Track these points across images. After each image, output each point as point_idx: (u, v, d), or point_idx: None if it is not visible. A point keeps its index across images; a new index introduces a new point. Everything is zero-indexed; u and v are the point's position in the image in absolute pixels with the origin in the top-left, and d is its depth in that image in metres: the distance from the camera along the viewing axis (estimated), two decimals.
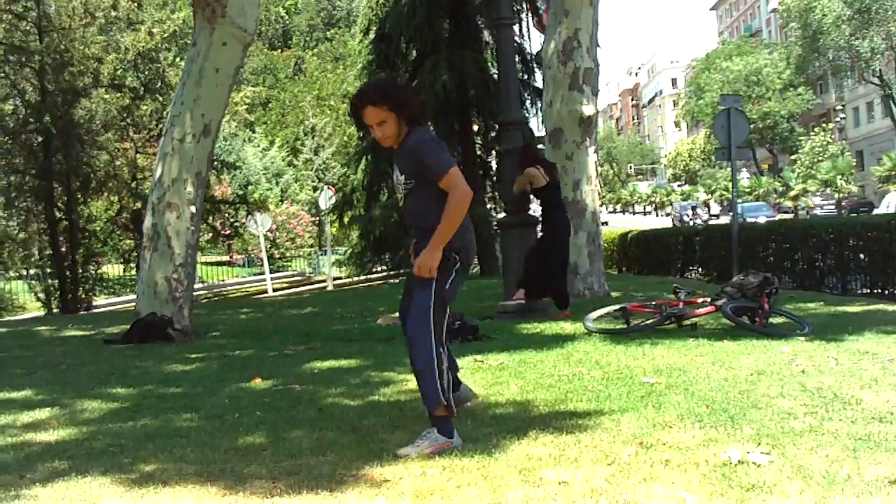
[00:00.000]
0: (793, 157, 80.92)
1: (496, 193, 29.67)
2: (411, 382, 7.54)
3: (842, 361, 7.53)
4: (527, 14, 30.30)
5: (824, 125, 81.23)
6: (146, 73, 30.92)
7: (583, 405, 6.33)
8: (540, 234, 13.11)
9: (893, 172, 60.57)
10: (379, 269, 34.10)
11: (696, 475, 4.51)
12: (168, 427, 6.30)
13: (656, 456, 4.85)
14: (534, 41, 31.13)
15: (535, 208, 13.73)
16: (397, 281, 31.08)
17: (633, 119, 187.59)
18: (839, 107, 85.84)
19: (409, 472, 4.83)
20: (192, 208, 12.72)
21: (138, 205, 28.79)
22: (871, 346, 8.29)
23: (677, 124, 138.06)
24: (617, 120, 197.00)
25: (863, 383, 6.61)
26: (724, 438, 5.15)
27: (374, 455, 5.17)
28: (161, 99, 29.91)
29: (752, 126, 63.97)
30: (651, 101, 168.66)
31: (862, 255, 16.56)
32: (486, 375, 7.80)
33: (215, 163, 30.88)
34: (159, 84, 30.70)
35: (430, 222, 5.40)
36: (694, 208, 68.93)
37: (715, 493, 4.25)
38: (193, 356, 10.40)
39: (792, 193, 68.45)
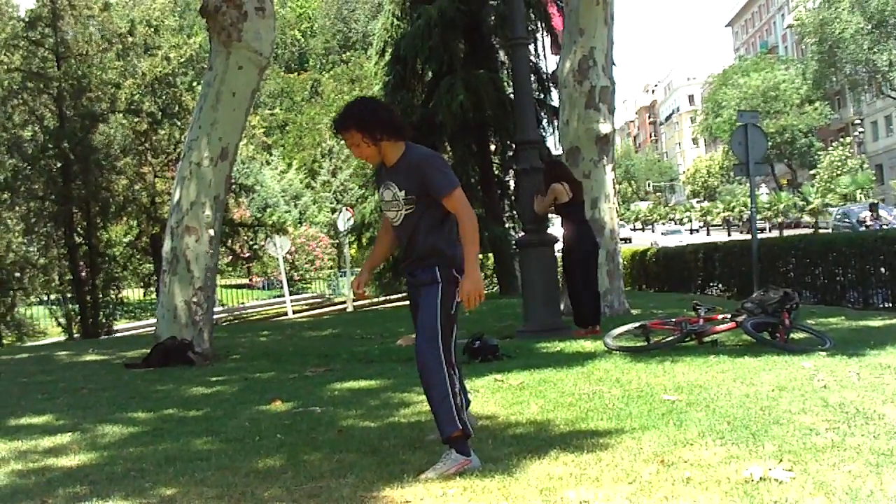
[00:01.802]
0: (812, 171, 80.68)
1: (514, 212, 29.64)
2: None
3: (864, 376, 7.49)
4: (542, 34, 30.35)
5: (843, 139, 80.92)
6: (163, 97, 31.05)
7: (603, 424, 6.30)
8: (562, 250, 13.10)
9: None
10: (399, 289, 34.06)
11: (718, 493, 4.48)
12: (188, 450, 6.30)
13: (678, 474, 4.82)
14: (549, 60, 31.29)
15: (555, 227, 13.72)
16: None
17: (651, 136, 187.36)
18: (857, 121, 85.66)
19: (429, 493, 4.81)
20: (211, 232, 12.75)
21: (157, 229, 28.87)
22: (894, 361, 8.22)
23: (695, 141, 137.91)
24: (634, 137, 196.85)
25: (885, 398, 6.56)
26: (746, 455, 5.12)
27: (395, 477, 5.15)
28: (179, 123, 30.03)
29: (770, 141, 63.78)
30: (668, 118, 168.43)
31: (883, 269, 16.47)
32: (506, 395, 7.79)
33: (233, 186, 30.95)
34: (177, 108, 30.82)
35: (429, 243, 5.41)
36: (874, 207, 57.39)
37: None
38: (214, 379, 10.41)
39: (810, 208, 68.19)
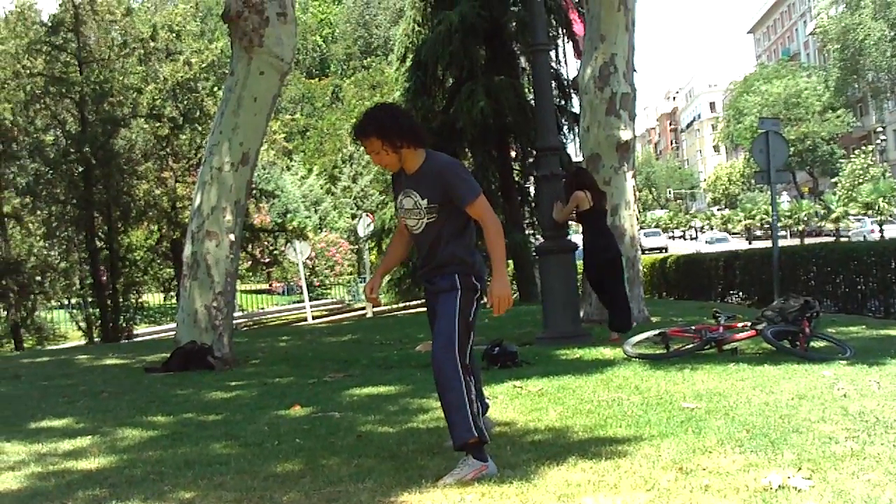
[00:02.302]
0: (833, 179, 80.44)
1: (534, 219, 29.60)
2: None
3: (884, 385, 7.46)
4: (563, 40, 30.33)
5: (865, 147, 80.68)
6: (185, 102, 31.21)
7: (622, 431, 6.29)
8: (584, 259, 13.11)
9: None
10: (418, 296, 34.06)
11: (737, 500, 4.47)
12: (207, 454, 6.31)
13: (696, 481, 4.81)
14: (570, 67, 31.23)
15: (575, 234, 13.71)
16: None
17: (672, 143, 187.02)
18: (880, 129, 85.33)
19: (447, 498, 4.81)
20: (232, 236, 12.78)
21: (178, 234, 29.00)
22: None
23: (716, 148, 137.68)
24: (655, 144, 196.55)
25: None
26: (765, 463, 5.10)
27: (413, 482, 5.16)
28: (200, 128, 30.15)
29: (791, 149, 63.61)
30: (689, 125, 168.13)
31: None
32: (524, 402, 7.78)
33: (254, 191, 31.04)
34: (198, 114, 30.97)
35: (450, 250, 5.42)
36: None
37: None
38: (233, 384, 10.42)
39: (832, 216, 67.96)
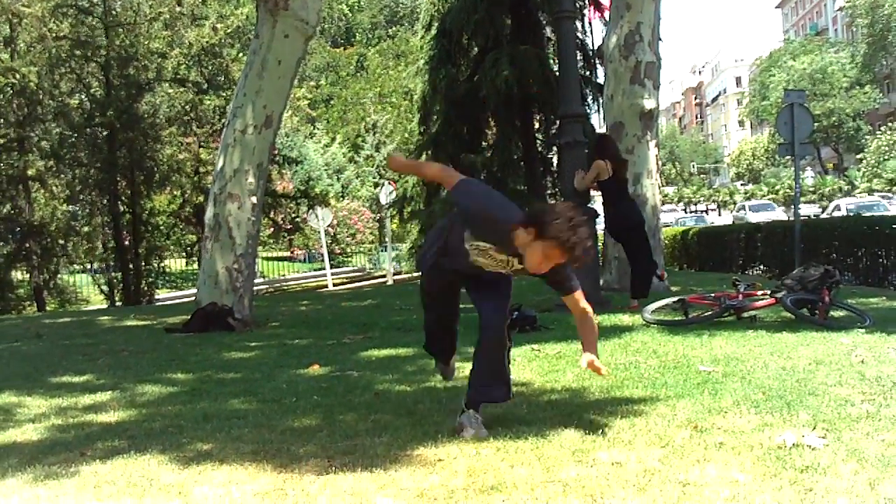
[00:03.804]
0: (858, 156, 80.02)
1: (557, 189, 29.56)
2: (466, 369, 7.57)
3: None
4: (589, 9, 30.19)
5: (891, 124, 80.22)
6: (210, 68, 31.18)
7: (638, 392, 6.32)
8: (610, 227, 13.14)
9: None
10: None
11: (750, 457, 4.49)
12: (225, 410, 6.37)
13: (710, 439, 4.84)
14: (595, 37, 31.05)
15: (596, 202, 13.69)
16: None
17: (697, 118, 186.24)
18: None
19: (462, 452, 4.85)
20: (254, 199, 12.83)
21: (201, 199, 29.04)
22: None
23: (741, 123, 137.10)
24: (680, 119, 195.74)
25: None
26: (780, 423, 5.12)
27: (429, 437, 5.20)
28: (224, 94, 30.08)
29: (816, 125, 63.23)
30: (714, 99, 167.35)
31: None
32: (542, 364, 7.82)
33: (277, 157, 31.08)
34: (222, 79, 30.94)
35: None
36: None
37: (768, 473, 4.23)
38: (253, 344, 10.50)
39: (857, 192, 67.61)
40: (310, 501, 4.16)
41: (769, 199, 72.86)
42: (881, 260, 17.92)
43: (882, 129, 78.54)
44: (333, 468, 4.62)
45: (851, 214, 34.34)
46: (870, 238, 18.36)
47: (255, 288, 14.19)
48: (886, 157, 72.17)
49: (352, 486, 4.32)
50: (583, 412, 5.68)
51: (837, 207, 47.71)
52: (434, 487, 4.27)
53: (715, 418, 5.35)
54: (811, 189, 76.10)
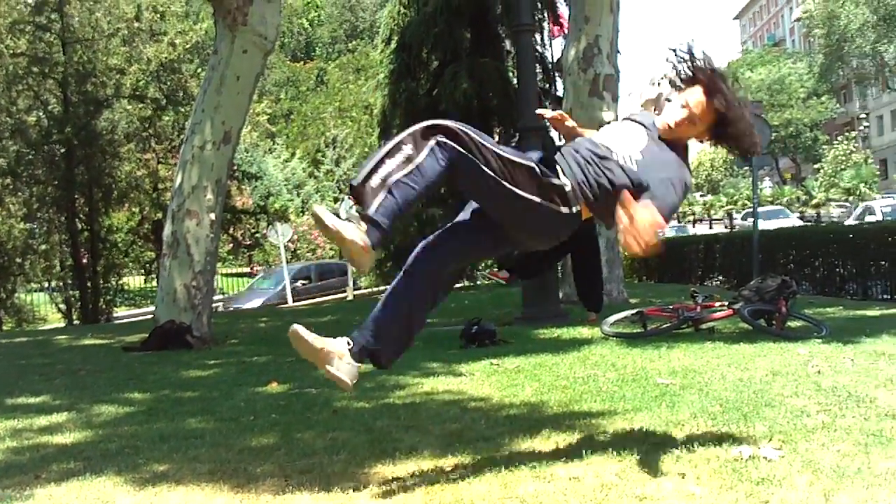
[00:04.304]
0: (816, 165, 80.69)
1: None
2: (426, 385, 7.60)
3: (858, 362, 7.51)
4: (548, 23, 30.32)
5: (848, 134, 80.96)
6: (168, 84, 31.14)
7: (597, 405, 6.33)
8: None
9: None
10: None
11: (707, 470, 4.50)
12: (183, 429, 6.32)
13: (667, 453, 4.85)
14: (555, 50, 31.17)
15: None
16: None
17: None
18: (863, 115, 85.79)
19: (421, 469, 4.85)
20: (212, 216, 12.78)
21: (160, 215, 28.99)
22: (889, 348, 8.25)
23: None
24: None
25: (878, 383, 6.58)
26: (737, 435, 5.14)
27: (387, 454, 5.18)
28: (183, 110, 30.08)
29: (774, 134, 63.73)
30: None
31: (883, 261, 16.49)
32: (501, 378, 7.81)
33: (236, 173, 31.05)
34: (181, 95, 30.91)
35: None
36: None
37: (724, 486, 4.24)
38: (211, 362, 10.43)
39: (814, 202, 68.17)
40: None
41: (779, 206, 66.08)
42: (838, 269, 18.06)
43: (839, 138, 79.26)
44: (290, 487, 4.60)
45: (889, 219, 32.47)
46: (826, 248, 18.49)
47: (215, 304, 14.13)
48: (843, 167, 72.80)
49: None
50: (541, 427, 5.67)
51: (870, 210, 42.26)
52: None
53: (672, 431, 5.37)
54: (769, 199, 76.70)
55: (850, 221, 33.16)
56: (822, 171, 76.38)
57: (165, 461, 5.34)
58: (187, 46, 30.93)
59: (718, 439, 5.10)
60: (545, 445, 5.22)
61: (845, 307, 13.57)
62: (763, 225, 36.03)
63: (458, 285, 32.72)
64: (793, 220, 50.09)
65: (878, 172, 73.49)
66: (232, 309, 32.68)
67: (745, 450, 4.75)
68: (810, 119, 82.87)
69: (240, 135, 14.01)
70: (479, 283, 32.47)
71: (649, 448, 4.96)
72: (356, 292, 38.18)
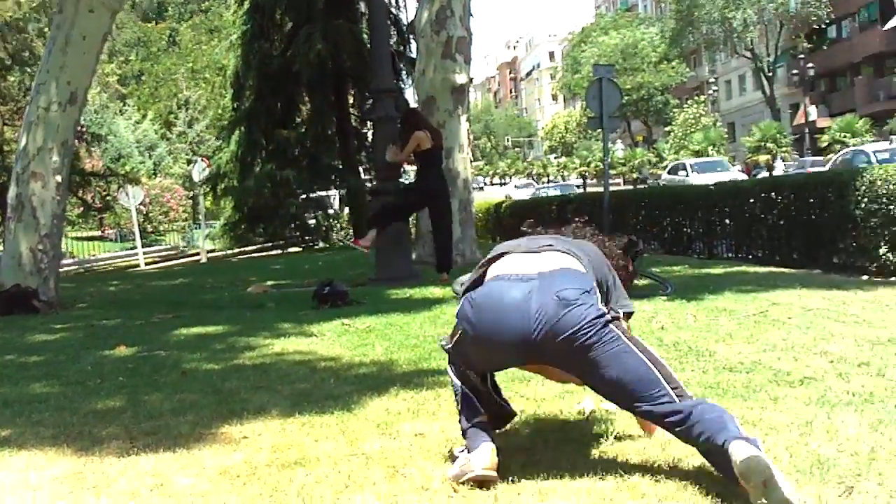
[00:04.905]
0: (667, 128, 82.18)
1: (372, 163, 29.62)
2: (276, 346, 7.59)
3: (700, 318, 7.72)
4: None
5: (697, 98, 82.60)
6: (14, 43, 30.30)
7: (445, 363, 6.37)
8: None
9: (763, 143, 61.80)
10: (253, 241, 33.79)
11: (551, 425, 4.62)
12: (27, 394, 6.20)
13: (514, 408, 4.93)
14: (409, 12, 31.14)
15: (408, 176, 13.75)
16: (274, 253, 30.96)
17: (511, 92, 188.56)
18: (712, 80, 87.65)
19: (268, 428, 4.84)
20: (58, 178, 12.49)
21: (5, 178, 28.20)
22: (729, 304, 8.51)
23: (554, 97, 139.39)
24: (495, 93, 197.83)
25: (718, 338, 6.78)
26: (580, 391, 5.23)
27: (235, 414, 5.16)
28: (29, 70, 29.31)
29: (627, 98, 64.70)
30: (528, 74, 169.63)
31: (727, 221, 16.89)
32: (352, 338, 7.83)
33: (85, 135, 30.40)
34: (27, 55, 30.10)
35: None
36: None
37: (567, 439, 4.35)
38: (58, 326, 10.22)
39: (664, 164, 69.45)
40: (109, 484, 4.09)
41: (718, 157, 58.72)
42: (685, 229, 18.45)
43: (688, 102, 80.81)
44: (135, 449, 4.55)
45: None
46: (674, 208, 18.87)
47: (65, 269, 13.85)
48: (693, 130, 74.30)
49: (153, 467, 4.27)
50: (390, 385, 5.71)
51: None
52: (237, 465, 4.24)
53: (518, 387, 5.45)
54: (621, 161, 77.99)
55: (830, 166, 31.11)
56: (672, 133, 77.85)
57: (8, 426, 5.24)
58: (33, 5, 30.17)
59: (563, 394, 5.21)
60: (393, 403, 5.27)
61: (691, 265, 13.90)
62: (697, 180, 34.20)
63: (314, 246, 32.66)
64: (733, 174, 41.52)
65: (726, 135, 75.11)
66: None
67: (588, 404, 4.87)
68: (661, 83, 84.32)
69: (86, 96, 13.71)
70: (334, 244, 32.43)
71: None
72: (210, 255, 37.78)
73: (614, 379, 3.70)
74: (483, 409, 4.11)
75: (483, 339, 3.88)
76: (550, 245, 4.13)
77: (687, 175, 43.63)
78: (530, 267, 3.93)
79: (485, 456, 3.81)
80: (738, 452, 3.28)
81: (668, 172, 52.34)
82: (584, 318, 3.62)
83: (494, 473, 3.76)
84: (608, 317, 3.68)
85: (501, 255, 4.21)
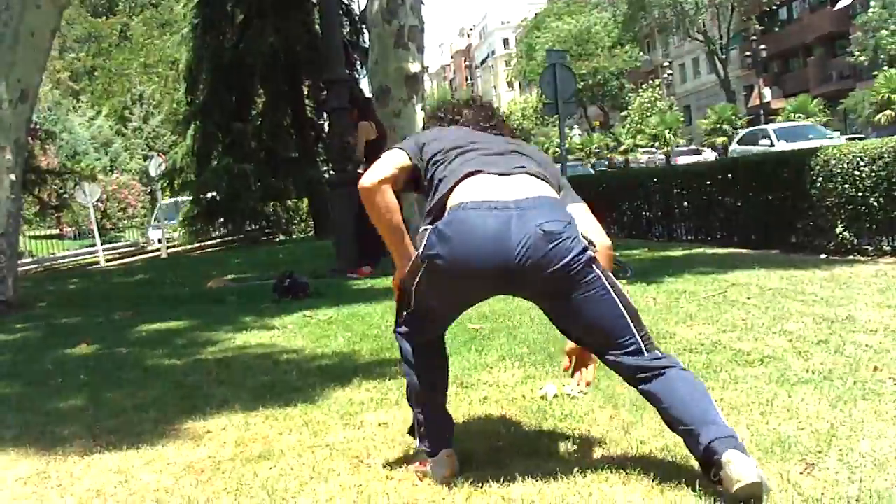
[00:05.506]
0: (623, 113, 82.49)
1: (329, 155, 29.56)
2: (238, 340, 7.58)
3: (660, 300, 7.78)
4: None
5: (652, 82, 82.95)
6: None
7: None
8: None
9: (719, 125, 62.21)
10: (210, 236, 33.64)
11: (514, 409, 4.63)
12: None
13: (475, 394, 4.96)
14: (361, 1, 30.97)
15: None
16: (235, 246, 30.85)
17: (467, 80, 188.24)
18: (666, 63, 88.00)
19: (231, 423, 4.84)
20: (13, 176, 12.37)
21: None
22: (689, 286, 8.57)
23: (510, 84, 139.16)
24: (451, 81, 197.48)
25: (678, 319, 6.84)
26: (543, 375, 5.28)
27: (198, 409, 5.16)
28: None
29: (582, 84, 64.84)
30: (483, 61, 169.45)
31: (686, 203, 16.94)
32: (314, 329, 7.83)
33: (39, 132, 30.12)
34: None
35: None
36: None
37: (530, 423, 4.37)
38: (18, 326, 10.15)
39: (622, 148, 69.77)
40: (73, 482, 4.08)
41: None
42: (644, 213, 18.50)
43: (644, 86, 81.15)
44: (99, 447, 4.54)
45: None
46: (632, 192, 18.92)
47: (24, 268, 13.73)
48: (649, 114, 74.65)
49: (117, 465, 4.26)
50: (353, 376, 5.72)
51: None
52: (201, 460, 4.24)
53: (481, 374, 5.48)
54: (579, 146, 78.19)
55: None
56: (628, 118, 78.20)
57: None
58: None
59: (525, 380, 5.24)
60: (356, 393, 5.28)
61: (650, 249, 13.96)
62: (791, 147, 31.04)
63: (274, 238, 32.58)
64: (833, 140, 31.51)
65: (682, 118, 75.52)
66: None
67: (551, 389, 4.89)
68: (616, 67, 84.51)
69: (38, 93, 13.60)
70: (294, 236, 32.36)
71: (458, 391, 5.05)
72: (170, 250, 37.56)
73: (588, 324, 3.66)
74: (448, 434, 3.90)
75: (456, 270, 3.57)
76: (522, 167, 3.84)
77: (771, 144, 34.75)
78: (503, 193, 3.62)
79: (445, 465, 3.75)
80: (739, 471, 3.15)
81: (740, 143, 38.82)
82: (570, 251, 3.50)
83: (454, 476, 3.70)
84: (591, 253, 3.58)
85: (467, 175, 3.76)
